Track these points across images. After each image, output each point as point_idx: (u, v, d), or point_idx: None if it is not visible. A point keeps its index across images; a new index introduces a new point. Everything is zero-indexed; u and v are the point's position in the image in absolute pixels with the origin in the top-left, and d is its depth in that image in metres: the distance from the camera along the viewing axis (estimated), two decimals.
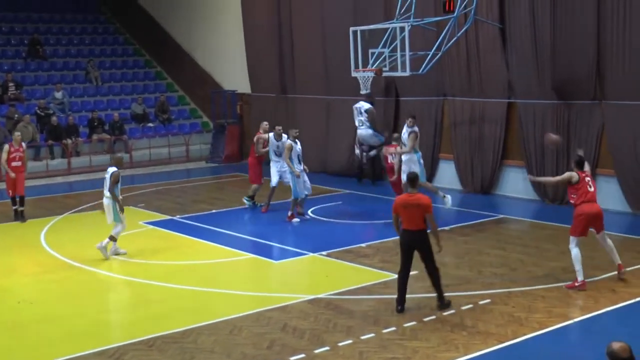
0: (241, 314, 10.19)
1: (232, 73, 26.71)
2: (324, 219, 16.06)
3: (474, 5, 16.81)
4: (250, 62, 25.44)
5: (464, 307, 10.14)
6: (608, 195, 16.04)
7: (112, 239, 13.29)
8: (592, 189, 10.80)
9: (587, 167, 11.11)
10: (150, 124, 26.66)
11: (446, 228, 14.68)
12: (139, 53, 30.96)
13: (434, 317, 9.81)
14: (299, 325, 9.69)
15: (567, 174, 10.97)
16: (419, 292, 10.80)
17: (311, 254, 13.32)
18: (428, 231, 10.02)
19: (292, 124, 23.27)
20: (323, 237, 14.54)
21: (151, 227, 15.85)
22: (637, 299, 10.32)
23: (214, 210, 17.35)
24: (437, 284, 10.11)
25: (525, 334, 9.14)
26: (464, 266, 12.20)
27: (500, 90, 17.81)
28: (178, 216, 16.80)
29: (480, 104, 18.23)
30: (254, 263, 13.25)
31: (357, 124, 16.96)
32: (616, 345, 5.60)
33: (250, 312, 10.28)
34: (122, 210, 13.31)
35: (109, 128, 25.09)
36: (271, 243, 14.34)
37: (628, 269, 11.66)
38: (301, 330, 9.54)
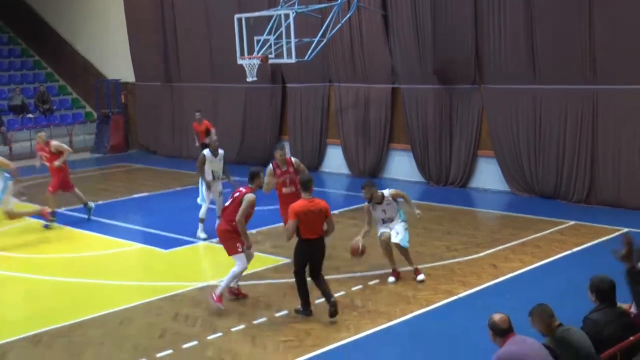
0: (131, 305, 10.06)
1: (116, 62, 26.04)
2: (213, 206, 15.95)
3: None
4: (133, 51, 24.90)
5: (354, 288, 10.36)
6: (488, 175, 16.75)
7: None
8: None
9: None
10: (30, 115, 25.72)
11: (335, 212, 14.90)
12: (14, 41, 29.68)
13: (324, 299, 9.94)
14: (190, 313, 9.65)
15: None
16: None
17: (202, 242, 13.26)
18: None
19: (179, 113, 23.16)
20: (213, 225, 14.43)
21: (34, 220, 15.33)
22: (516, 273, 10.84)
23: (100, 202, 16.94)
24: (325, 288, 9.39)
25: (412, 312, 9.43)
26: None
27: (384, 76, 18.18)
28: (63, 208, 16.31)
29: (365, 90, 18.55)
30: (143, 253, 13.07)
31: None
32: (496, 317, 5.92)
33: (140, 302, 10.16)
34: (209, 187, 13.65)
35: None
36: (161, 232, 14.15)
37: (507, 244, 12.22)
38: (193, 317, 9.50)
